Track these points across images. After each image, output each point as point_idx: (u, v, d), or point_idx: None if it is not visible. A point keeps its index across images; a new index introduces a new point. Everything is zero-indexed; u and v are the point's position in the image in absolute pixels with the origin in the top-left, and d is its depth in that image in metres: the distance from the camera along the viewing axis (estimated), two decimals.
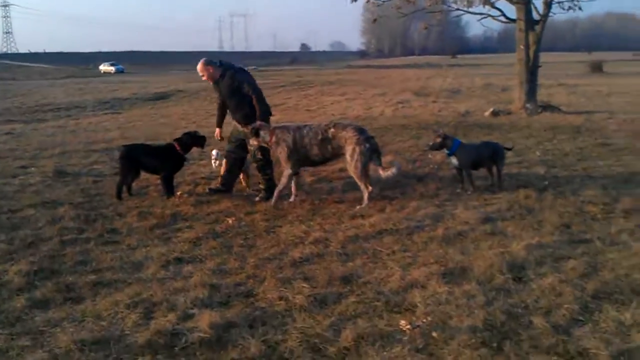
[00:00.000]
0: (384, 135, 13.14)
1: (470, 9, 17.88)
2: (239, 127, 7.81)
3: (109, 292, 4.62)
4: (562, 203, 6.90)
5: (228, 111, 8.06)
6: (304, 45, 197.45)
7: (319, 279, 4.71)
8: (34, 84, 46.06)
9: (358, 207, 6.95)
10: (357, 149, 6.96)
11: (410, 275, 4.70)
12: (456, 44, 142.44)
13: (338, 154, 7.23)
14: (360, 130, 7.15)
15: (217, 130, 8.34)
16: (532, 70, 17.09)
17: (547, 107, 17.19)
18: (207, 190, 8.01)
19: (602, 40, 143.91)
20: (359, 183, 7.11)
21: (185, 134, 8.03)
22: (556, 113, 16.61)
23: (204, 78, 7.93)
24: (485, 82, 32.99)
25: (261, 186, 7.84)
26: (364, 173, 7.05)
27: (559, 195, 7.27)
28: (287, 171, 7.35)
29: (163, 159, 7.79)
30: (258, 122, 7.46)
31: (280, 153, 7.34)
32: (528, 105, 16.82)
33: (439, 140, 7.75)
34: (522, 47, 16.95)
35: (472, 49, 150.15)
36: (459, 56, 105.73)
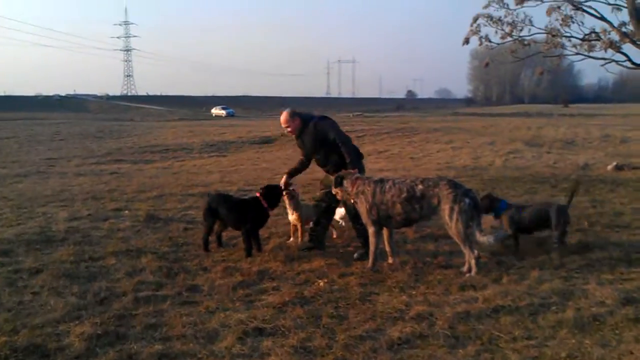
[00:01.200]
0: (495, 188, 12.09)
1: (592, 54, 16.46)
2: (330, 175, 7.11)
3: None
4: None
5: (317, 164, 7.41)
6: (410, 92, 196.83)
7: None
8: (148, 126, 47.71)
9: (467, 275, 5.99)
10: (456, 208, 5.94)
11: None
12: (568, 93, 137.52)
13: (428, 215, 6.22)
14: (456, 185, 6.11)
15: (284, 177, 7.49)
16: None
17: None
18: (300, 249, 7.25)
19: None
20: (463, 247, 6.09)
21: (268, 187, 7.37)
22: None
23: (288, 130, 7.30)
24: (602, 133, 30.84)
25: (361, 241, 7.09)
26: (468, 235, 6.03)
27: None
28: (370, 229, 6.48)
29: (244, 213, 7.15)
30: (343, 171, 6.73)
31: (360, 207, 6.51)
32: None
33: (485, 201, 7.14)
34: None
35: (585, 98, 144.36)
36: (571, 105, 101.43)
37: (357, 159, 7.04)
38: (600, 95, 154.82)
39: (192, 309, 5.22)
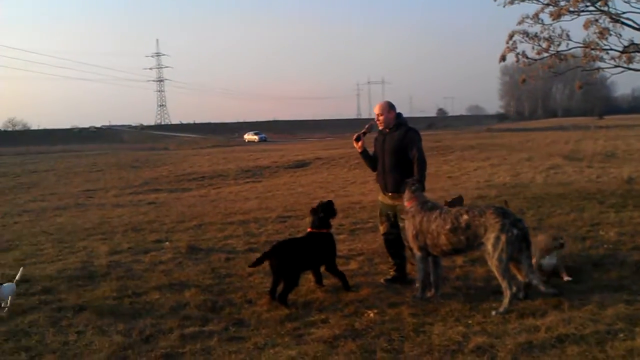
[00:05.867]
0: (541, 206, 11.76)
1: (631, 65, 15.99)
2: (387, 199, 6.84)
3: None
4: None
5: (377, 171, 7.03)
6: (440, 110, 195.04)
7: None
8: (183, 154, 48.03)
9: (494, 312, 5.48)
10: (503, 238, 5.50)
11: None
12: (602, 105, 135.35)
13: (474, 244, 5.76)
14: (504, 213, 5.63)
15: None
16: None
17: None
18: (383, 281, 6.83)
19: None
20: (501, 280, 5.59)
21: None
22: None
23: (380, 119, 6.82)
24: None
25: (391, 271, 6.95)
26: (509, 268, 5.63)
27: None
28: (417, 254, 6.16)
29: None
30: (414, 179, 6.38)
31: (407, 227, 6.20)
32: None
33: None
34: None
35: (620, 110, 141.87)
36: (606, 117, 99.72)
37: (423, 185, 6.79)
38: (635, 106, 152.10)
39: (240, 345, 5.04)
